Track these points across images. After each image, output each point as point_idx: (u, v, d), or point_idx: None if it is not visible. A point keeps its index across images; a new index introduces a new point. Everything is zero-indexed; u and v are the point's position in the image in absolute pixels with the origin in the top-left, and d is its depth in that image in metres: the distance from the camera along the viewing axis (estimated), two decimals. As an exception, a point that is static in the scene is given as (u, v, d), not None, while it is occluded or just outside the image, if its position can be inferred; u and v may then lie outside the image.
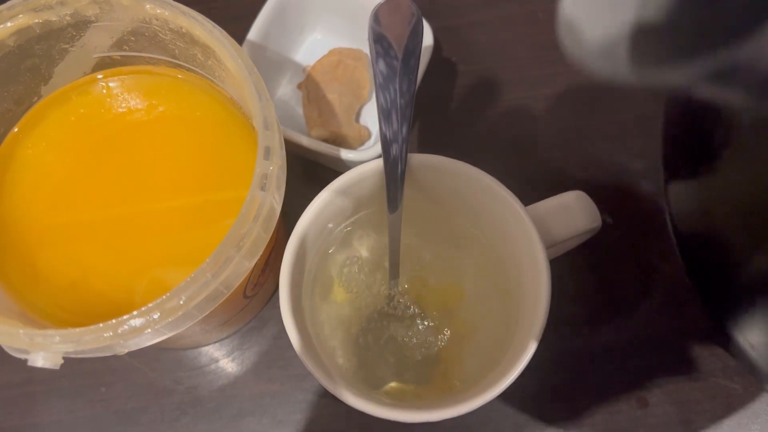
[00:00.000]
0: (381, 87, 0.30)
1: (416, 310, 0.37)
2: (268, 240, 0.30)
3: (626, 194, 0.44)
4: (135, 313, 0.26)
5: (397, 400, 0.36)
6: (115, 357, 0.41)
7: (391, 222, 0.33)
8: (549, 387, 0.40)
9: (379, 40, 0.30)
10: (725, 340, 0.31)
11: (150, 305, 0.26)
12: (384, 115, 0.31)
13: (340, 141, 0.42)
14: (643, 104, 0.46)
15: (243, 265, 0.28)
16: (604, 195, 0.42)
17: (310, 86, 0.43)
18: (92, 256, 0.33)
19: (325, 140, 0.42)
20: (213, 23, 0.30)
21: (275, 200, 0.29)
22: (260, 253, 0.29)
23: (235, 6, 0.49)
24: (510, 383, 0.30)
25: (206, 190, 0.35)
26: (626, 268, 0.43)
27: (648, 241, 0.43)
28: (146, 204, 0.35)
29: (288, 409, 0.40)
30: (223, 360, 0.42)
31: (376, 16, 0.30)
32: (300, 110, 0.44)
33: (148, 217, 0.34)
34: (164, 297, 0.26)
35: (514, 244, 0.35)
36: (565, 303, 0.42)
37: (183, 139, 0.36)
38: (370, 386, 0.36)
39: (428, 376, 0.37)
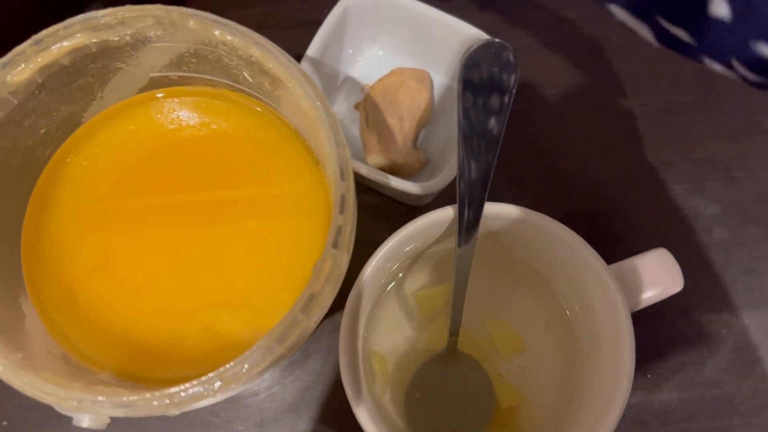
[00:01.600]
0: (464, 123, 0.27)
1: (473, 361, 0.35)
2: (334, 297, 0.27)
3: (701, 244, 0.42)
4: (195, 382, 0.24)
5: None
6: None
7: (458, 263, 0.31)
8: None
9: (469, 68, 0.27)
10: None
11: (211, 375, 0.24)
12: (466, 153, 0.28)
13: (397, 168, 0.39)
14: (715, 141, 0.43)
15: (309, 327, 0.26)
16: (680, 246, 0.40)
17: (369, 108, 0.40)
18: (138, 295, 0.30)
19: (382, 168, 0.39)
20: (287, 56, 0.27)
21: (346, 256, 0.26)
22: (324, 313, 0.27)
23: (299, 11, 0.46)
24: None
25: (260, 216, 0.32)
26: (693, 322, 0.40)
27: (718, 294, 0.41)
28: (196, 229, 0.32)
29: (329, 450, 0.38)
30: (263, 394, 0.39)
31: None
32: (355, 131, 0.42)
33: (198, 248, 0.32)
34: (228, 366, 0.24)
35: (590, 305, 0.32)
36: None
37: (237, 158, 0.34)
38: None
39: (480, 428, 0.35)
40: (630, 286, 0.31)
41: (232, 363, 0.24)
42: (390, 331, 0.36)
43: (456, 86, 0.28)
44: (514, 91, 0.28)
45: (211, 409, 0.39)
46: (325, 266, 0.25)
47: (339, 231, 0.26)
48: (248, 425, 0.39)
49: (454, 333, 0.34)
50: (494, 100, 0.28)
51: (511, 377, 0.35)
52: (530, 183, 0.43)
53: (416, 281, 0.37)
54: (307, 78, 0.27)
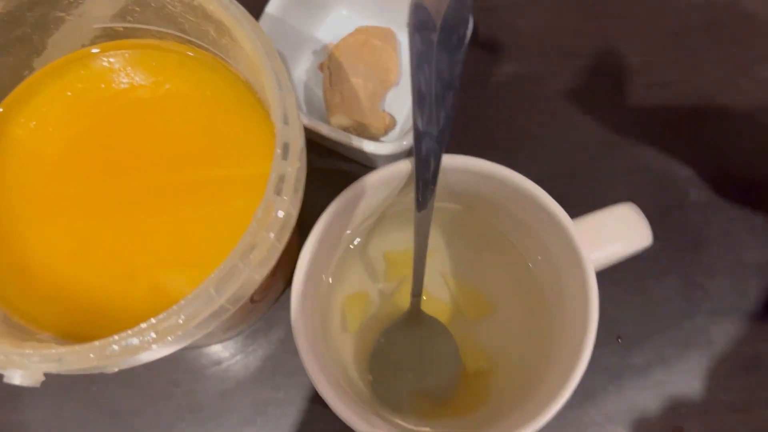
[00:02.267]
0: (416, 68, 0.26)
1: (438, 324, 0.34)
2: (282, 250, 0.26)
3: (672, 204, 0.41)
4: (129, 332, 0.22)
5: (415, 420, 0.33)
6: (108, 353, 0.38)
7: (418, 224, 0.30)
8: (578, 407, 0.37)
9: (417, 9, 0.26)
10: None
11: (144, 325, 0.22)
12: (418, 101, 0.26)
13: (362, 129, 0.38)
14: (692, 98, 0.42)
15: (252, 278, 0.25)
16: (649, 205, 0.39)
17: (332, 68, 0.39)
18: (81, 253, 0.29)
19: (346, 128, 0.38)
20: (229, -2, 0.26)
21: (292, 206, 0.25)
22: (273, 264, 0.26)
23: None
24: (548, 420, 0.27)
25: (209, 171, 0.31)
26: (670, 284, 0.39)
27: (694, 255, 0.40)
28: (148, 193, 0.31)
29: (293, 419, 0.37)
30: (226, 363, 0.38)
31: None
32: (320, 93, 0.40)
33: (149, 208, 0.31)
34: (161, 316, 0.22)
35: (555, 259, 0.31)
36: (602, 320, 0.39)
37: (190, 119, 0.32)
38: (385, 403, 0.33)
39: (449, 396, 0.34)
40: (594, 241, 0.30)
41: (165, 313, 0.22)
42: (357, 289, 0.35)
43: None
44: (468, 32, 0.26)
45: (172, 380, 0.38)
46: (267, 213, 0.24)
47: (282, 178, 0.24)
48: (210, 395, 0.38)
49: (416, 294, 0.33)
50: (448, 42, 0.26)
51: (479, 341, 0.34)
52: (499, 146, 0.41)
53: (387, 240, 0.35)
54: (250, 19, 0.26)
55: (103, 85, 0.33)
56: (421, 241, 0.30)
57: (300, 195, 0.26)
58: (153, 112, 0.33)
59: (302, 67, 0.42)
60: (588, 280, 0.28)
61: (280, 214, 0.24)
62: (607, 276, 0.35)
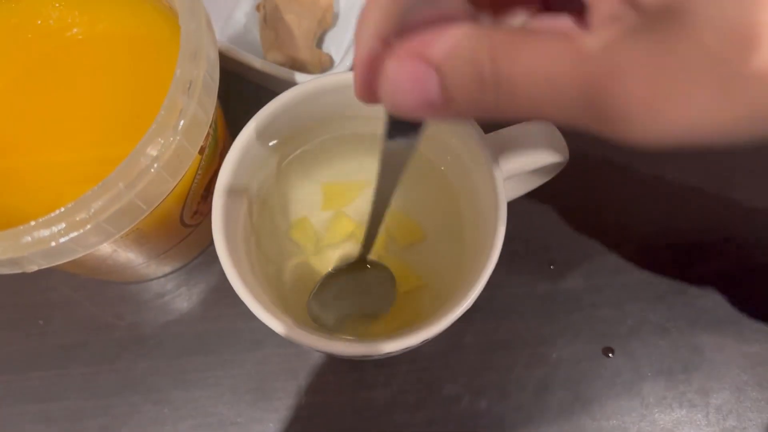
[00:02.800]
0: None
1: (379, 264, 0.35)
2: (194, 155, 0.27)
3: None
4: (38, 221, 0.23)
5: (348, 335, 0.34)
6: (55, 290, 0.39)
7: (385, 161, 0.22)
8: (512, 331, 0.38)
9: None
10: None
11: (52, 215, 0.23)
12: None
13: (298, 67, 0.39)
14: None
15: (165, 180, 0.26)
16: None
17: (268, 6, 0.40)
18: (11, 179, 0.30)
19: (282, 64, 0.39)
20: None
21: (201, 109, 0.26)
22: (185, 169, 0.27)
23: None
24: (459, 314, 0.28)
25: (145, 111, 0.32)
26: (600, 211, 0.41)
27: (626, 185, 0.41)
28: (79, 127, 0.32)
29: (235, 348, 0.38)
30: (169, 296, 0.39)
31: None
32: (257, 34, 0.41)
33: (80, 140, 0.32)
34: (70, 205, 0.23)
35: (472, 176, 0.32)
36: (531, 245, 0.40)
37: (123, 61, 0.33)
38: (322, 327, 0.34)
39: (381, 315, 0.35)
40: (508, 151, 0.31)
41: (73, 203, 0.23)
42: (297, 216, 0.36)
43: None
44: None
45: (116, 313, 0.39)
46: (172, 112, 0.25)
47: (188, 80, 0.25)
48: (153, 327, 0.39)
49: (367, 247, 0.32)
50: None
51: (410, 264, 0.35)
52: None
53: (326, 169, 0.36)
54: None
55: (39, 21, 0.34)
56: (384, 188, 0.24)
57: (212, 101, 0.27)
58: (86, 50, 0.34)
59: (242, 10, 0.43)
60: (495, 184, 0.29)
61: (187, 114, 0.25)
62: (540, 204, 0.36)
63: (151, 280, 0.39)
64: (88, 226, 0.24)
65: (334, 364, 0.38)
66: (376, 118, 0.32)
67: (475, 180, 0.32)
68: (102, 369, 0.38)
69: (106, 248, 0.29)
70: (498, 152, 0.30)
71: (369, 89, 0.19)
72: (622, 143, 0.16)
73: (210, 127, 0.30)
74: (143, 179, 0.24)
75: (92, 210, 0.24)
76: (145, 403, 0.37)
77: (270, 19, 0.39)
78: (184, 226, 0.34)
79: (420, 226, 0.36)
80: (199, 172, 0.31)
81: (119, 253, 0.31)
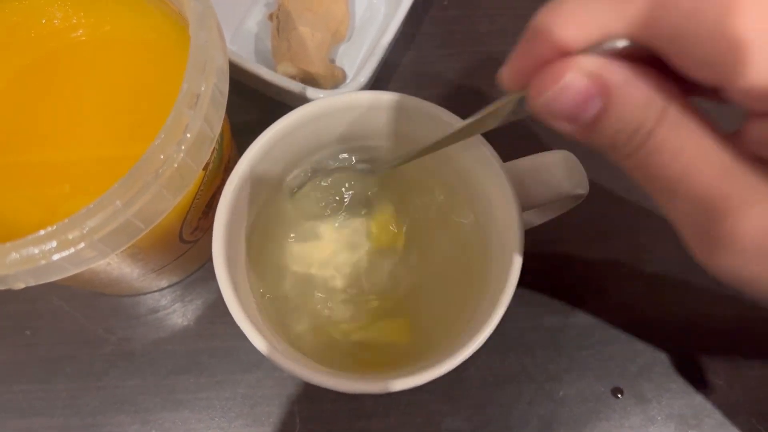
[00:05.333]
0: None
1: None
2: (198, 173, 0.26)
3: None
4: (28, 238, 0.22)
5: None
6: (44, 299, 0.37)
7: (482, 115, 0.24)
8: (517, 365, 0.37)
9: None
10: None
11: (42, 232, 0.22)
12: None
13: (309, 80, 0.38)
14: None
15: (164, 198, 0.24)
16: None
17: (281, 17, 0.38)
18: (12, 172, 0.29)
19: (293, 77, 0.37)
20: None
21: (208, 126, 0.25)
22: (188, 187, 0.25)
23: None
24: (476, 348, 0.27)
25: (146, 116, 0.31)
26: (613, 244, 0.39)
27: (642, 219, 0.39)
28: (80, 130, 0.31)
29: (228, 368, 0.37)
30: (163, 311, 0.38)
31: None
32: (269, 44, 0.40)
33: (79, 145, 0.30)
34: (64, 222, 0.22)
35: (490, 204, 0.31)
36: (542, 278, 0.38)
37: (127, 64, 0.32)
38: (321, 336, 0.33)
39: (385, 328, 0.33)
40: (527, 181, 0.29)
41: (68, 219, 0.22)
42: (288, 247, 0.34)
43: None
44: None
45: (107, 327, 0.37)
46: (177, 126, 0.23)
47: (196, 94, 0.24)
48: (144, 344, 0.37)
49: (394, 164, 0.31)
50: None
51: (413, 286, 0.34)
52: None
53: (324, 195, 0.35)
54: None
55: (44, 21, 0.33)
56: (456, 134, 0.26)
57: (220, 117, 0.26)
58: (90, 52, 0.32)
59: (254, 19, 0.41)
60: (512, 214, 0.28)
61: (193, 130, 0.24)
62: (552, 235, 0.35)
63: (146, 293, 0.38)
64: (82, 245, 0.22)
65: (331, 391, 0.36)
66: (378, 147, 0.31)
67: (490, 208, 0.31)
68: (89, 385, 0.36)
69: (99, 264, 0.27)
70: (517, 182, 0.29)
71: (520, 76, 0.20)
72: (705, 264, 0.18)
73: (216, 142, 0.29)
74: (142, 197, 0.23)
75: (86, 228, 0.22)
76: (132, 424, 0.36)
77: (283, 30, 0.38)
78: (183, 243, 0.32)
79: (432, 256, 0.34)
80: (202, 188, 0.29)
81: (113, 267, 0.29)
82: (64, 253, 0.22)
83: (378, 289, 0.33)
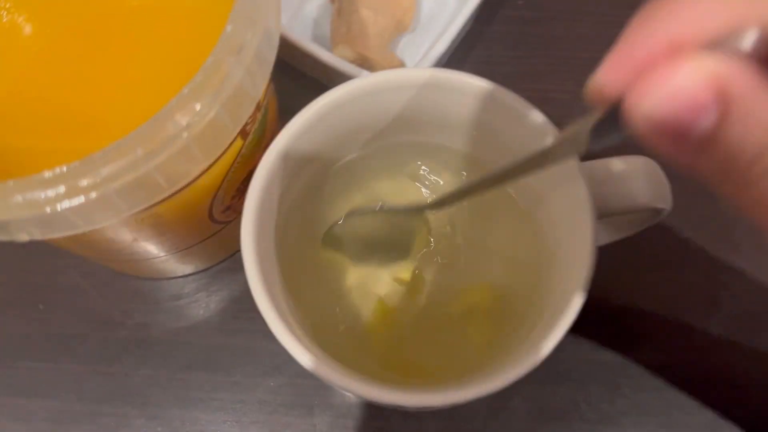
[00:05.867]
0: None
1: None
2: (234, 135, 0.23)
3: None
4: (32, 178, 0.19)
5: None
6: (64, 274, 0.35)
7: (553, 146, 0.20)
8: (568, 401, 0.33)
9: None
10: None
11: (49, 174, 0.19)
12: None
13: (366, 67, 0.35)
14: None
15: (194, 156, 0.21)
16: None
17: (344, -1, 0.36)
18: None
19: (350, 62, 0.35)
20: None
21: (250, 82, 0.22)
22: (221, 149, 0.23)
23: None
24: (526, 371, 0.23)
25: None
26: (688, 277, 0.35)
27: (722, 246, 0.35)
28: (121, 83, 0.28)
29: (248, 369, 0.33)
30: (185, 299, 0.35)
31: None
32: (329, 28, 0.38)
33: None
34: (74, 164, 0.19)
35: (553, 207, 0.27)
36: (605, 303, 0.34)
37: (182, 34, 0.30)
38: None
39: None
40: (603, 186, 0.26)
41: (78, 162, 0.19)
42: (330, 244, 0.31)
43: None
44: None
45: (124, 309, 0.35)
46: (214, 73, 0.20)
47: (241, 44, 0.21)
48: (162, 331, 0.34)
49: (440, 204, 0.27)
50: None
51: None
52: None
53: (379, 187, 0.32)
54: None
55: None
56: (516, 169, 0.22)
57: (265, 75, 0.23)
58: (142, 17, 0.30)
59: (315, 2, 0.39)
60: (588, 224, 0.24)
61: (232, 80, 0.21)
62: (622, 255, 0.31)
63: (169, 278, 0.35)
64: (93, 194, 0.20)
65: (356, 406, 0.33)
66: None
67: (557, 211, 0.27)
68: (97, 369, 0.33)
69: (116, 228, 0.25)
70: (592, 185, 0.25)
71: (617, 81, 0.15)
72: None
73: (258, 110, 0.26)
74: (167, 149, 0.20)
75: (100, 176, 0.20)
76: (138, 417, 0.33)
77: (344, 12, 0.35)
78: (213, 222, 0.29)
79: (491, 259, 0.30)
80: (239, 160, 0.27)
81: (132, 236, 0.27)
82: (74, 202, 0.20)
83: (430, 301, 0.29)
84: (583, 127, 0.18)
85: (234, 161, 0.26)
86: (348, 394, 0.31)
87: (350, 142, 0.30)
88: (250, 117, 0.25)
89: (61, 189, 0.19)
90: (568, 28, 0.40)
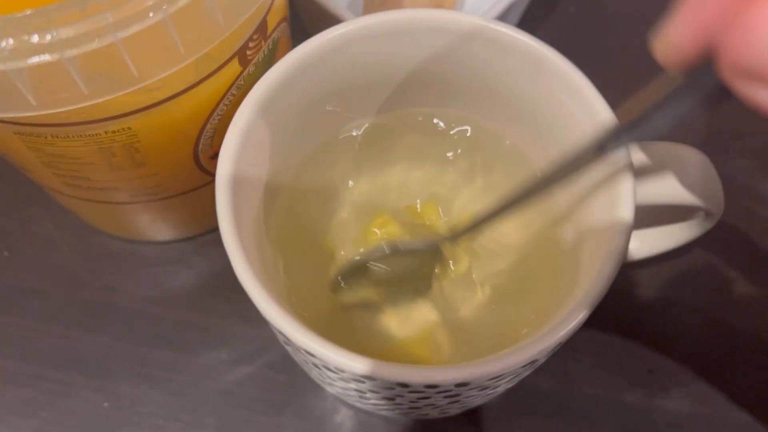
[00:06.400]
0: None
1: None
2: (225, 33, 0.20)
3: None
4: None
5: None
6: (37, 222, 0.32)
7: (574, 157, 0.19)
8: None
9: None
10: None
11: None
12: None
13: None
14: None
15: (172, 41, 0.18)
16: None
17: (382, -26, 0.34)
18: None
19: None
20: None
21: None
22: (207, 44, 0.20)
23: None
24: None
25: None
26: (740, 311, 0.30)
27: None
28: None
29: (217, 354, 0.29)
30: (162, 267, 0.31)
31: None
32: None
33: None
34: (27, 12, 0.16)
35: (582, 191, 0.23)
36: (631, 339, 0.30)
37: None
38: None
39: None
40: (645, 170, 0.22)
41: (32, 11, 0.16)
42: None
43: None
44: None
45: (93, 268, 0.31)
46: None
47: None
48: (130, 299, 0.31)
49: (457, 235, 0.24)
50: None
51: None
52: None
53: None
54: None
55: None
56: (537, 187, 0.20)
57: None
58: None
59: (353, -17, 0.37)
60: (622, 209, 0.20)
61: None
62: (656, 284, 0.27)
63: (149, 242, 0.32)
64: (47, 56, 0.17)
65: (332, 411, 0.28)
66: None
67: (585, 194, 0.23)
68: (51, 329, 0.30)
69: (84, 138, 0.22)
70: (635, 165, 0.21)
71: (698, 34, 0.13)
72: None
73: (264, 37, 0.24)
74: (141, 22, 0.17)
75: (57, 35, 0.17)
76: (83, 388, 0.29)
77: (380, -12, 0.33)
78: (200, 170, 0.26)
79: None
80: (233, 91, 0.24)
81: (103, 156, 0.23)
82: (21, 62, 0.17)
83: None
84: (652, 98, 0.15)
85: (227, 91, 0.23)
86: (327, 388, 0.26)
87: (358, 104, 0.26)
88: (253, 39, 0.23)
89: (9, 42, 0.16)
90: (619, 39, 0.37)
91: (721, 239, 0.31)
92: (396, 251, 0.25)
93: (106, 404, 0.28)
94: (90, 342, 0.30)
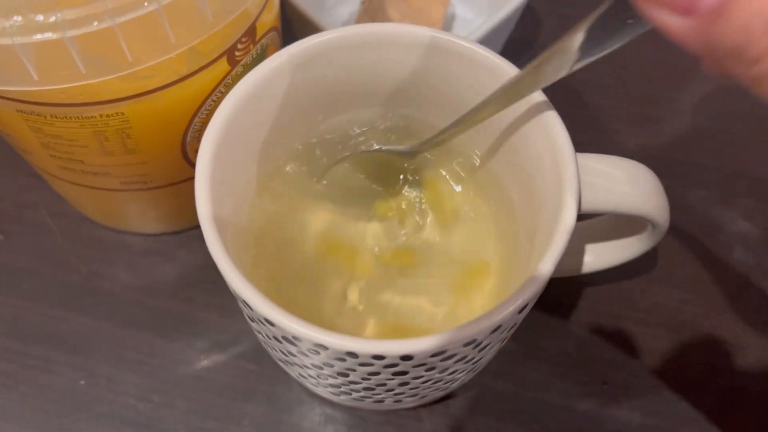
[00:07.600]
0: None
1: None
2: (213, 29, 0.22)
3: (714, 258, 0.34)
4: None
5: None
6: (33, 209, 0.34)
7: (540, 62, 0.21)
8: None
9: None
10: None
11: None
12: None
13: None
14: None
15: (163, 31, 0.21)
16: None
17: (374, 1, 0.36)
18: None
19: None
20: None
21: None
22: (195, 37, 0.22)
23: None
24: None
25: None
26: (686, 339, 0.32)
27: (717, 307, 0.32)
28: None
29: (192, 341, 0.31)
30: (147, 257, 0.33)
31: None
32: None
33: None
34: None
35: (536, 190, 0.25)
36: (587, 350, 0.31)
37: None
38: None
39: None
40: (594, 180, 0.24)
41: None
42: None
43: None
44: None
45: (82, 254, 0.33)
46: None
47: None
48: (114, 285, 0.32)
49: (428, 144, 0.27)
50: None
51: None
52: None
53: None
54: None
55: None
56: (502, 97, 0.23)
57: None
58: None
59: (347, 9, 0.39)
60: (566, 206, 0.22)
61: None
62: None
63: (139, 234, 0.33)
64: (50, 34, 0.19)
65: (297, 401, 0.30)
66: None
67: (539, 198, 0.25)
68: (37, 308, 0.31)
69: (81, 120, 0.24)
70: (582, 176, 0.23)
71: None
72: None
73: (253, 40, 0.26)
74: (137, 10, 0.19)
75: (61, 15, 0.19)
76: (63, 366, 0.30)
77: (371, 11, 0.36)
78: (187, 162, 0.28)
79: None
80: (221, 89, 0.26)
81: (97, 140, 0.25)
82: (26, 38, 0.19)
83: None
84: (578, 30, 0.17)
85: (215, 87, 0.25)
86: (290, 371, 0.28)
87: (333, 108, 0.28)
88: (242, 41, 0.25)
89: (18, 19, 0.19)
90: (617, 79, 0.39)
91: (677, 259, 0.33)
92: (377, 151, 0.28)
93: (82, 382, 0.30)
94: (73, 322, 0.31)
